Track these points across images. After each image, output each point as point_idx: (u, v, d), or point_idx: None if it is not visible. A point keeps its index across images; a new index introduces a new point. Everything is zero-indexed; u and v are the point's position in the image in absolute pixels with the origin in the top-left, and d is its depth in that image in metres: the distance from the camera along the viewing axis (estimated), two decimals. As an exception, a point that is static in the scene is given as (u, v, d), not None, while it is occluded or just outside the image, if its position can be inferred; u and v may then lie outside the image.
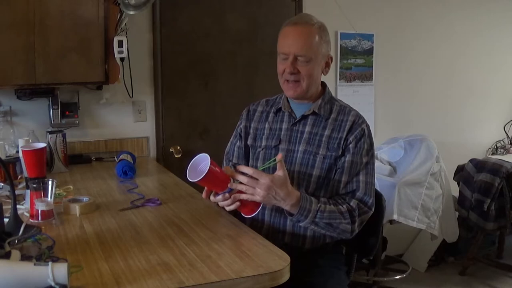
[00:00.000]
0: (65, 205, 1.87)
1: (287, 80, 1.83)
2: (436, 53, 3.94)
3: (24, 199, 1.88)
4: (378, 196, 2.01)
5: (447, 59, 3.99)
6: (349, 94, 3.60)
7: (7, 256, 1.29)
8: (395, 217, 3.09)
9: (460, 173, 3.61)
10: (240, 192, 1.64)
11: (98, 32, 2.55)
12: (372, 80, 3.72)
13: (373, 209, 1.81)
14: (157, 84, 3.08)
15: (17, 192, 1.69)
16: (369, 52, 3.68)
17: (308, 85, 1.83)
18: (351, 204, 1.75)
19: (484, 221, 3.37)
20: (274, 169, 1.67)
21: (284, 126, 1.91)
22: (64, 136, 2.68)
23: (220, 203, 1.70)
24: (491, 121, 4.26)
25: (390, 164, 3.40)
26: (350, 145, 1.81)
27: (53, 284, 1.12)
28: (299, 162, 1.83)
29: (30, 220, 1.72)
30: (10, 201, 1.58)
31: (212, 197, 1.71)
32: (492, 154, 4.17)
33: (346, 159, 1.80)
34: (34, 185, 1.73)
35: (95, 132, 2.95)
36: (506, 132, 4.31)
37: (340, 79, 3.60)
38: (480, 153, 4.17)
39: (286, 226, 1.83)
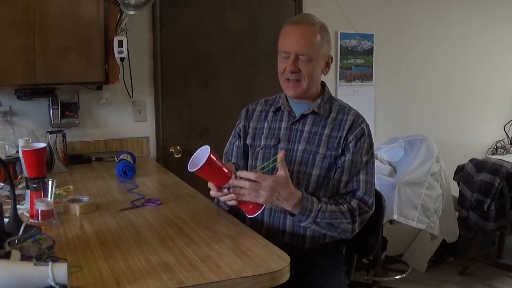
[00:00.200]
0: (65, 205, 1.87)
1: (288, 79, 1.83)
2: (436, 53, 3.94)
3: (24, 199, 1.88)
4: (378, 196, 2.01)
5: (447, 59, 3.99)
6: (349, 94, 3.60)
7: (7, 256, 1.29)
8: (395, 217, 3.09)
9: (460, 173, 3.61)
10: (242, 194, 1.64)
11: (98, 32, 2.55)
12: (372, 80, 3.72)
13: (373, 208, 1.82)
14: (157, 84, 3.08)
15: (17, 192, 1.69)
16: (369, 52, 3.68)
17: (309, 84, 1.83)
18: (352, 203, 1.75)
19: (484, 221, 3.37)
20: (274, 168, 1.67)
21: (283, 125, 1.91)
22: (64, 136, 2.68)
23: (221, 197, 1.70)
24: (491, 121, 4.26)
25: (390, 164, 3.40)
26: (350, 144, 1.81)
27: (53, 284, 1.12)
28: (298, 161, 1.83)
29: (30, 220, 1.72)
30: (10, 201, 1.58)
31: (211, 192, 1.71)
32: (492, 154, 4.17)
33: (346, 158, 1.80)
34: (34, 185, 1.73)
35: (95, 132, 2.95)
36: (506, 132, 4.31)
37: (340, 79, 3.60)
38: (480, 153, 4.17)
39: (286, 226, 1.83)
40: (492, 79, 4.20)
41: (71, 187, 2.22)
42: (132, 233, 1.63)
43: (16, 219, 1.54)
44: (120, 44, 2.60)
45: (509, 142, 4.30)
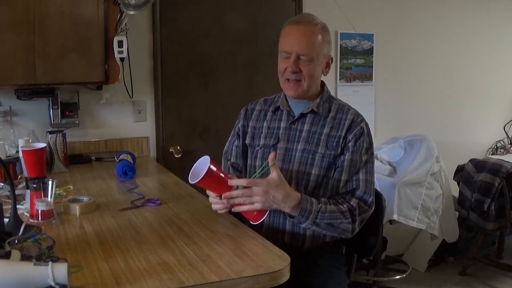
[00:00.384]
0: (65, 205, 1.87)
1: (288, 79, 1.83)
2: (436, 53, 3.94)
3: (24, 199, 1.88)
4: (378, 196, 2.01)
5: (447, 59, 3.99)
6: (349, 94, 3.60)
7: (7, 256, 1.29)
8: (395, 217, 3.09)
9: (460, 173, 3.61)
10: (240, 203, 1.65)
11: (98, 32, 2.55)
12: (372, 80, 3.72)
13: (373, 207, 1.81)
14: (157, 84, 3.08)
15: (17, 192, 1.69)
16: (369, 52, 3.68)
17: (309, 85, 1.83)
18: (351, 203, 1.75)
19: (484, 221, 3.37)
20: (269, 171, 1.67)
21: (283, 124, 1.91)
22: (64, 136, 2.68)
23: (215, 206, 1.72)
24: (491, 121, 4.26)
25: (390, 164, 3.40)
26: (349, 144, 1.81)
27: (53, 284, 1.12)
28: (297, 161, 1.83)
29: (30, 220, 1.72)
30: (10, 201, 1.58)
31: (210, 199, 1.72)
32: (492, 154, 4.17)
33: (346, 157, 1.80)
34: (34, 185, 1.73)
35: (95, 132, 2.95)
36: (506, 132, 4.31)
37: (340, 79, 3.60)
38: (480, 153, 4.17)
39: (285, 226, 1.83)
40: (492, 79, 4.20)
41: (71, 187, 2.22)
42: (132, 233, 1.63)
43: (16, 219, 1.54)
44: (120, 44, 2.59)
45: (509, 142, 4.30)
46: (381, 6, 3.68)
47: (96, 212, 1.87)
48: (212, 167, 1.59)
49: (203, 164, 1.61)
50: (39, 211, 1.70)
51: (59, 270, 1.13)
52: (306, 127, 1.87)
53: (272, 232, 1.83)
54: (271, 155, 1.65)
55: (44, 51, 2.44)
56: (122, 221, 1.76)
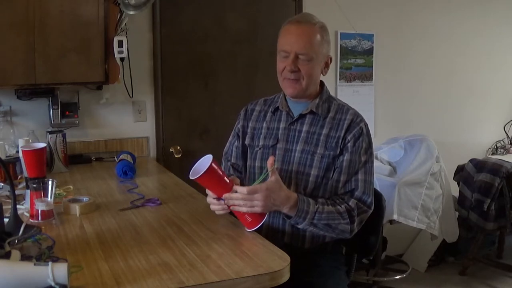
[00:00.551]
0: (65, 205, 1.87)
1: (287, 78, 1.83)
2: (436, 53, 3.94)
3: (24, 199, 1.88)
4: (378, 196, 2.01)
5: (447, 59, 3.99)
6: (349, 94, 3.60)
7: (7, 256, 1.29)
8: (395, 217, 3.09)
9: (460, 173, 3.61)
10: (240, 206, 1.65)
11: (98, 32, 2.55)
12: (372, 80, 3.72)
13: (372, 208, 1.81)
14: (157, 84, 3.08)
15: (17, 192, 1.69)
16: (369, 52, 3.68)
17: (307, 84, 1.83)
18: (350, 203, 1.75)
19: (484, 221, 3.37)
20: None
21: (282, 125, 1.91)
22: (64, 136, 2.68)
23: (213, 207, 1.71)
24: (491, 121, 4.26)
25: (390, 164, 3.40)
26: (349, 144, 1.80)
27: (53, 284, 1.12)
28: (297, 161, 1.83)
29: (30, 220, 1.72)
30: (10, 201, 1.58)
31: (208, 199, 1.72)
32: (492, 154, 4.17)
33: (345, 158, 1.80)
34: (34, 185, 1.73)
35: (95, 132, 2.95)
36: (506, 132, 4.31)
37: (340, 79, 3.60)
38: (480, 153, 4.17)
39: (285, 226, 1.82)
40: (492, 79, 4.20)
41: (71, 187, 2.22)
42: (132, 233, 1.63)
43: (16, 219, 1.54)
44: (120, 44, 2.59)
45: (509, 142, 4.30)
46: (381, 6, 3.68)
47: (96, 212, 1.87)
48: (213, 165, 1.59)
49: (205, 162, 1.62)
50: (39, 211, 1.70)
51: (59, 270, 1.13)
52: (305, 128, 1.86)
53: (272, 233, 1.82)
54: (270, 160, 1.65)
55: (44, 51, 2.44)
56: (122, 221, 1.75)
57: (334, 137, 1.82)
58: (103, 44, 2.58)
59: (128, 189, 2.23)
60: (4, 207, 1.48)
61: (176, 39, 3.10)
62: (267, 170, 1.65)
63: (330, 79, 3.48)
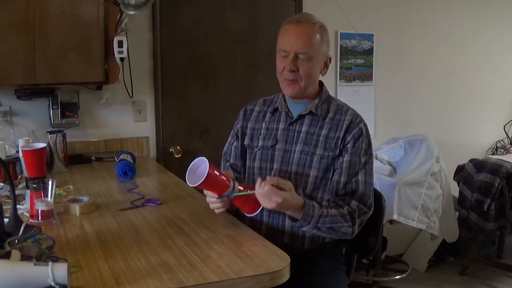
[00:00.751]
0: (65, 205, 1.87)
1: (286, 79, 1.83)
2: (436, 53, 3.94)
3: (24, 199, 1.88)
4: (378, 196, 2.00)
5: (447, 59, 3.99)
6: (349, 94, 3.60)
7: (7, 256, 1.29)
8: (395, 217, 3.09)
9: (460, 173, 3.61)
10: (244, 198, 1.67)
11: (98, 32, 2.55)
12: (372, 80, 3.72)
13: (372, 209, 1.81)
14: (157, 84, 3.08)
15: (17, 192, 1.69)
16: (369, 52, 3.68)
17: (306, 84, 1.83)
18: (351, 205, 1.75)
19: (484, 221, 3.37)
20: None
21: (281, 126, 1.90)
22: (64, 136, 2.68)
23: (213, 206, 1.72)
24: (491, 121, 4.26)
25: (390, 164, 3.40)
26: (348, 145, 1.80)
27: (53, 284, 1.12)
28: (296, 162, 1.83)
29: (30, 220, 1.72)
30: (10, 201, 1.58)
31: (208, 199, 1.72)
32: (492, 154, 4.17)
33: (344, 159, 1.80)
34: (34, 185, 1.73)
35: (95, 132, 2.95)
36: (506, 132, 4.31)
37: (340, 79, 3.60)
38: (480, 153, 4.17)
39: (285, 227, 1.82)
40: (492, 79, 4.20)
41: (71, 187, 2.22)
42: (132, 233, 1.63)
43: (16, 219, 1.54)
44: (120, 44, 2.59)
45: (509, 142, 4.30)
46: (381, 6, 3.68)
47: (96, 212, 1.87)
48: (211, 171, 1.59)
49: (200, 165, 1.62)
50: (39, 211, 1.70)
51: (59, 270, 1.13)
52: (304, 129, 1.86)
53: (271, 233, 1.82)
54: (275, 179, 1.65)
55: (44, 51, 2.44)
56: (122, 221, 1.76)
57: (333, 137, 1.82)
58: (103, 44, 2.58)
59: (128, 189, 2.23)
60: (4, 207, 1.48)
61: (176, 39, 3.10)
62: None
63: (330, 79, 3.48)
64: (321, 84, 1.93)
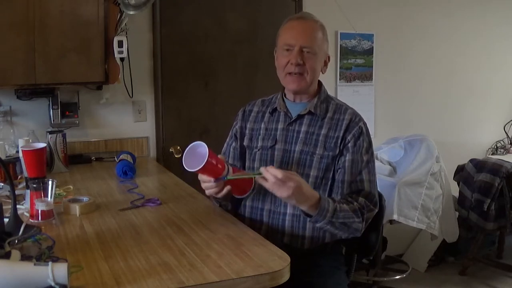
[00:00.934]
0: (65, 205, 1.87)
1: (290, 73, 1.83)
2: (436, 53, 3.94)
3: (24, 199, 1.88)
4: (378, 196, 2.00)
5: (447, 59, 3.99)
6: (349, 94, 3.60)
7: (7, 256, 1.29)
8: (395, 217, 3.09)
9: (460, 173, 3.61)
10: (237, 180, 1.68)
11: (98, 32, 2.55)
12: (372, 80, 3.72)
13: (377, 208, 1.82)
14: (157, 84, 3.08)
15: (17, 192, 1.69)
16: (369, 52, 3.68)
17: (312, 79, 1.83)
18: (359, 201, 1.76)
19: (484, 221, 3.37)
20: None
21: (280, 126, 1.90)
22: (64, 136, 2.68)
23: (210, 191, 1.70)
24: (491, 121, 4.26)
25: (390, 164, 3.40)
26: (349, 144, 1.80)
27: (53, 284, 1.12)
28: (296, 162, 1.83)
29: (30, 220, 1.71)
30: (10, 201, 1.58)
31: (204, 184, 1.70)
32: (492, 154, 4.17)
33: (346, 158, 1.80)
34: (34, 185, 1.73)
35: (95, 132, 2.95)
36: (506, 132, 4.31)
37: (340, 79, 3.60)
38: (480, 153, 4.17)
39: (285, 227, 1.82)
40: (492, 79, 4.20)
41: (71, 187, 2.22)
42: (132, 233, 1.63)
43: (16, 219, 1.54)
44: (120, 44, 2.59)
45: (509, 142, 4.30)
46: (381, 6, 3.68)
47: (96, 212, 1.87)
48: (210, 157, 1.59)
49: (197, 149, 1.63)
50: (39, 211, 1.70)
51: (59, 270, 1.13)
52: (303, 128, 1.86)
53: (271, 233, 1.82)
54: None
55: (44, 51, 2.44)
56: (122, 221, 1.75)
57: (333, 137, 1.82)
58: (103, 44, 2.58)
59: (128, 189, 2.22)
60: (4, 207, 1.48)
61: (176, 39, 3.10)
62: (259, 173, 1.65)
63: (330, 79, 3.48)
64: (319, 83, 1.94)
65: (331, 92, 1.99)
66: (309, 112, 1.87)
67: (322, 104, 1.89)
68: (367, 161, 1.81)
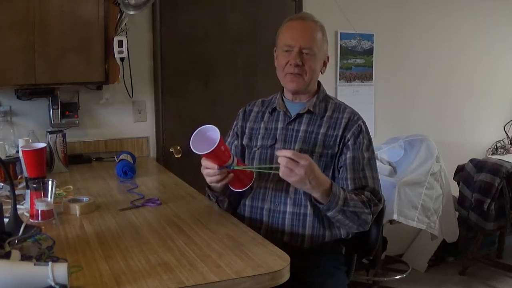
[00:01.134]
0: (65, 205, 1.87)
1: (289, 73, 1.84)
2: (436, 53, 3.94)
3: (24, 199, 1.88)
4: (378, 196, 2.01)
5: (447, 59, 3.99)
6: (349, 94, 3.60)
7: (7, 256, 1.29)
8: (395, 217, 3.09)
9: (460, 173, 3.61)
10: (239, 172, 1.67)
11: (98, 32, 2.55)
12: (372, 80, 3.72)
13: (382, 204, 1.83)
14: (157, 84, 3.08)
15: (17, 192, 1.69)
16: (369, 52, 3.68)
17: (310, 79, 1.84)
18: (365, 195, 1.77)
19: (484, 221, 3.37)
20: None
21: (280, 125, 1.91)
22: (64, 136, 2.68)
23: (211, 178, 1.69)
24: (491, 121, 4.26)
25: (390, 164, 3.40)
26: (349, 142, 1.81)
27: (53, 284, 1.12)
28: None
29: (30, 220, 1.72)
30: (10, 201, 1.58)
31: (207, 171, 1.68)
32: (492, 154, 4.17)
33: (347, 156, 1.80)
34: (34, 185, 1.73)
35: (95, 132, 2.95)
36: (506, 132, 4.31)
37: (340, 79, 3.60)
38: (480, 153, 4.17)
39: (284, 226, 1.82)
40: (492, 79, 4.20)
41: (71, 187, 2.22)
42: (132, 233, 1.63)
43: (16, 219, 1.54)
44: (120, 44, 2.60)
45: (509, 142, 4.30)
46: (381, 6, 3.68)
47: (96, 212, 1.87)
48: (221, 141, 1.59)
49: (206, 132, 1.61)
50: (39, 211, 1.70)
51: (59, 270, 1.13)
52: (303, 128, 1.87)
53: (271, 232, 1.82)
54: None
55: (44, 51, 2.44)
56: (122, 221, 1.75)
57: (332, 135, 1.83)
58: (103, 44, 2.58)
59: (128, 189, 2.22)
60: (4, 207, 1.47)
61: (176, 39, 3.10)
62: (271, 168, 1.64)
63: (330, 79, 3.48)
64: (318, 83, 1.95)
65: (331, 92, 2.00)
66: (308, 111, 1.88)
67: (321, 103, 1.90)
68: (368, 158, 1.82)
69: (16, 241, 1.42)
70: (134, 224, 1.73)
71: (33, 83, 2.46)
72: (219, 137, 1.59)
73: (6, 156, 2.44)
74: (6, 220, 1.51)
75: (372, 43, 3.68)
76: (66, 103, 2.78)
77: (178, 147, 3.14)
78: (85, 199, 1.92)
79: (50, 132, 2.68)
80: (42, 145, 1.82)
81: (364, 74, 3.69)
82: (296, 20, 1.87)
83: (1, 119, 2.68)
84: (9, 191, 1.83)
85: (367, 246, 2.03)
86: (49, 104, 2.73)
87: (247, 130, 1.98)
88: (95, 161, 2.88)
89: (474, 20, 4.05)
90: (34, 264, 1.16)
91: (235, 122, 2.04)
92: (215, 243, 1.53)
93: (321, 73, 1.91)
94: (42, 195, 1.72)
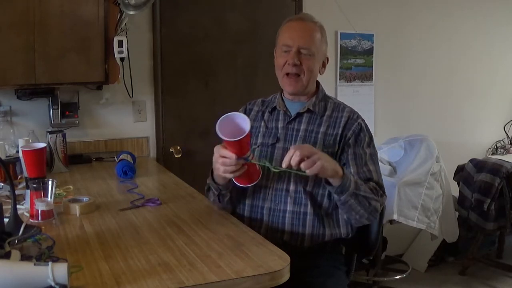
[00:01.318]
0: (65, 205, 1.87)
1: (288, 74, 1.84)
2: (436, 53, 3.94)
3: (24, 199, 1.88)
4: (378, 196, 2.01)
5: (447, 59, 3.99)
6: (349, 94, 3.60)
7: (7, 256, 1.29)
8: (395, 217, 3.09)
9: (460, 173, 3.61)
10: (250, 166, 1.67)
11: (98, 32, 2.55)
12: (372, 80, 3.72)
13: (386, 198, 1.84)
14: (157, 84, 3.08)
15: (17, 192, 1.69)
16: (369, 52, 3.68)
17: (308, 80, 1.85)
18: (371, 184, 1.78)
19: (484, 221, 3.37)
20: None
21: (280, 124, 1.92)
22: (64, 136, 2.68)
23: (227, 168, 1.65)
24: (491, 121, 4.26)
25: (390, 164, 3.40)
26: (350, 141, 1.82)
27: (53, 284, 1.12)
28: None
29: (30, 220, 1.72)
30: (10, 201, 1.58)
31: (226, 160, 1.64)
32: (492, 154, 4.17)
33: (349, 152, 1.82)
34: (34, 185, 1.73)
35: (95, 132, 2.95)
36: (506, 132, 4.31)
37: (340, 79, 3.59)
38: (480, 153, 4.17)
39: (284, 225, 1.83)
40: (492, 79, 4.20)
41: (71, 187, 2.22)
42: (132, 233, 1.63)
43: (16, 219, 1.54)
44: (120, 44, 2.60)
45: (509, 142, 4.29)
46: (381, 6, 3.68)
47: (96, 212, 1.87)
48: (249, 134, 1.59)
49: (236, 120, 1.62)
50: (39, 211, 1.70)
51: (59, 270, 1.13)
52: (303, 127, 1.88)
53: (271, 231, 1.82)
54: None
55: (44, 51, 2.44)
56: (122, 221, 1.75)
57: (331, 134, 1.84)
58: (103, 44, 2.58)
59: (128, 189, 2.23)
60: (4, 207, 1.47)
61: (176, 39, 3.10)
62: (275, 167, 1.65)
63: (330, 79, 3.48)
64: (317, 83, 1.96)
65: (331, 92, 2.00)
66: (308, 110, 1.88)
67: (321, 102, 1.91)
68: (370, 153, 1.83)
69: (16, 241, 1.42)
70: (134, 224, 1.73)
71: (33, 83, 2.46)
72: (249, 127, 1.58)
73: (6, 156, 2.44)
74: (6, 220, 1.51)
75: (372, 43, 3.68)
76: (66, 103, 2.78)
77: (178, 147, 3.14)
78: (85, 199, 1.92)
79: (50, 132, 2.68)
80: (42, 145, 1.82)
81: (364, 74, 3.69)
82: (295, 21, 1.88)
83: (1, 119, 2.68)
84: (9, 191, 1.83)
85: (367, 246, 2.03)
86: (49, 104, 2.73)
87: (247, 128, 1.99)
88: (95, 161, 2.88)
89: (474, 20, 4.05)
90: (34, 264, 1.16)
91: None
92: (215, 243, 1.53)
93: (320, 73, 1.91)
94: (42, 195, 1.72)
